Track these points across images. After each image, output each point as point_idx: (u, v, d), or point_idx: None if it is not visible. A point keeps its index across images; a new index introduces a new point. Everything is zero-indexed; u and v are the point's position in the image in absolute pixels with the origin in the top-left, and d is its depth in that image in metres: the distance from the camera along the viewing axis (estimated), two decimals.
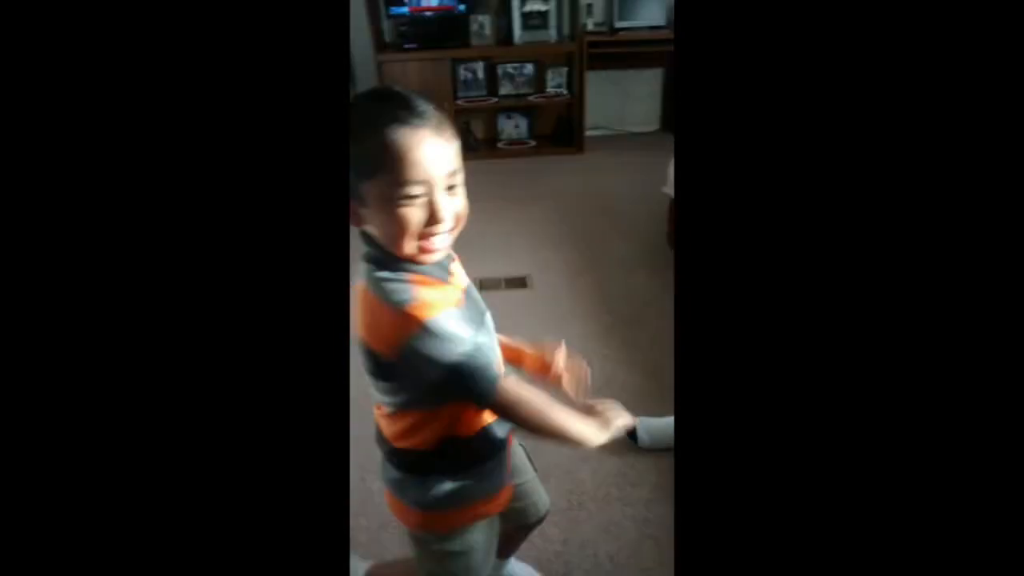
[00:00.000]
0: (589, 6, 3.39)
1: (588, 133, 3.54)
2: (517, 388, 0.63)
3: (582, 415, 0.68)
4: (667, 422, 1.34)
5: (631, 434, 1.34)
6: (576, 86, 3.37)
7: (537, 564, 1.09)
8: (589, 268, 2.17)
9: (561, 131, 3.56)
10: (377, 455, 0.74)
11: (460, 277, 0.69)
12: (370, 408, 0.71)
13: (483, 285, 2.09)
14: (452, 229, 0.62)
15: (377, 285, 0.61)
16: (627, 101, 3.76)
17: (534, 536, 1.14)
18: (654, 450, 1.33)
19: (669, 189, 2.12)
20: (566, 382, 0.80)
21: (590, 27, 3.40)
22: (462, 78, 3.45)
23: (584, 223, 2.55)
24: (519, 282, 2.11)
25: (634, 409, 1.43)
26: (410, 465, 0.70)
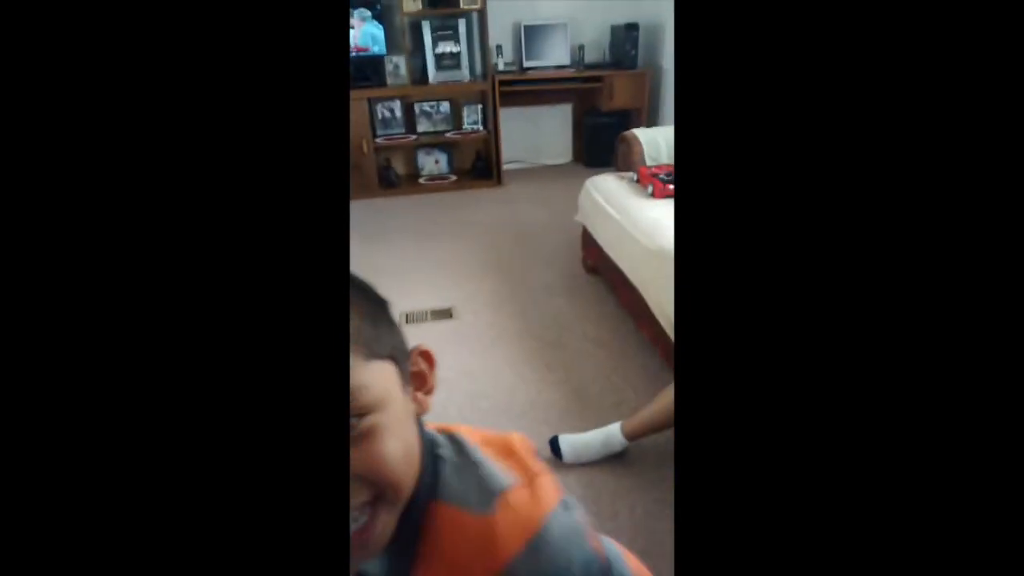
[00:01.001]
0: (499, 47, 3.57)
1: (506, 166, 3.68)
2: None
3: None
4: (587, 438, 1.42)
5: (555, 451, 1.41)
6: (491, 122, 3.51)
7: None
8: (512, 296, 2.25)
9: (480, 165, 3.68)
10: None
11: None
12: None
13: (409, 318, 2.12)
14: None
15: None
16: (540, 135, 3.95)
17: None
18: (576, 464, 1.40)
19: (581, 218, 2.25)
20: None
21: (501, 67, 3.58)
22: (380, 116, 3.51)
23: (505, 253, 2.64)
24: (445, 313, 2.15)
25: (558, 426, 1.52)
26: None
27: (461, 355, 1.87)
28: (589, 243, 2.22)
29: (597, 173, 2.26)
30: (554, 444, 1.42)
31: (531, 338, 1.96)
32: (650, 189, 1.92)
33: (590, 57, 3.69)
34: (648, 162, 2.17)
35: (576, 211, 2.31)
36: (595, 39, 3.71)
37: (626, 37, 3.50)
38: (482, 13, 3.34)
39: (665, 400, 1.33)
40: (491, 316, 2.12)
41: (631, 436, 1.37)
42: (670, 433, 1.39)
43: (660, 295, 1.57)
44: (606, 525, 1.24)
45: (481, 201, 3.37)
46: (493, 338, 1.98)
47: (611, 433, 1.39)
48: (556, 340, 1.94)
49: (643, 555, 1.20)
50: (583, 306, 2.13)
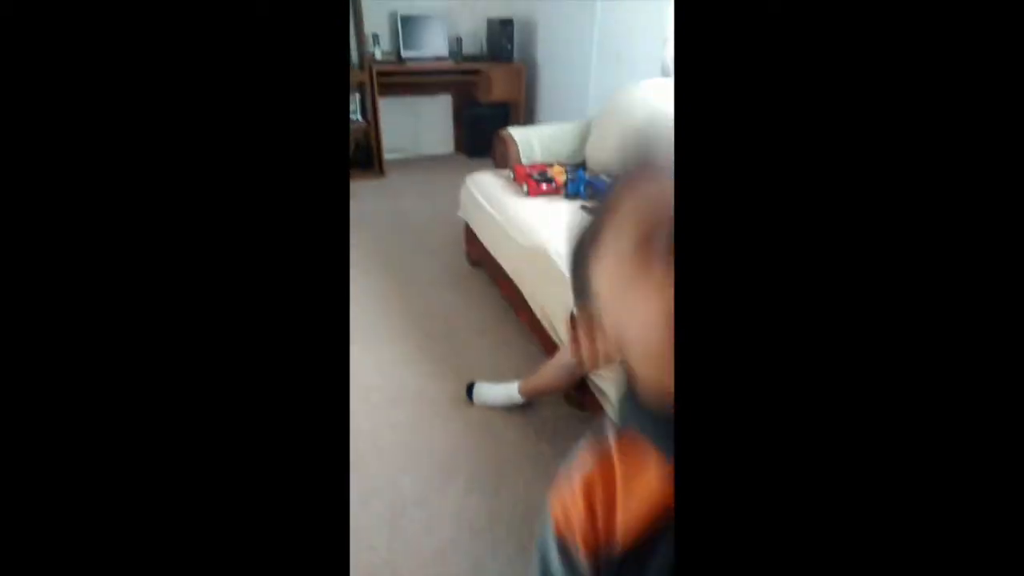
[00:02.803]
0: (375, 36, 3.52)
1: (387, 156, 3.67)
2: None
3: None
4: (495, 389, 1.67)
5: (469, 393, 1.69)
6: (370, 112, 3.47)
7: (366, 574, 1.20)
8: (398, 291, 2.30)
9: (361, 156, 3.63)
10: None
11: None
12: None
13: None
14: None
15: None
16: (421, 125, 3.97)
17: (360, 549, 1.25)
18: (485, 407, 1.67)
19: (462, 213, 2.35)
20: None
21: (378, 56, 3.53)
22: None
23: (390, 246, 2.68)
24: None
25: (449, 415, 1.62)
26: None
27: (351, 352, 1.90)
28: (471, 236, 2.33)
29: (478, 163, 2.36)
30: (469, 388, 1.69)
31: (419, 332, 2.04)
32: (525, 188, 2.06)
33: (467, 50, 3.76)
34: (523, 160, 2.31)
35: (458, 205, 2.40)
36: (472, 32, 3.79)
37: (502, 32, 3.61)
38: (356, 1, 3.28)
39: (551, 367, 1.54)
40: (380, 312, 2.16)
41: (525, 395, 1.63)
42: (558, 408, 1.55)
43: (535, 288, 1.72)
44: (490, 502, 1.38)
45: (364, 193, 3.34)
46: (381, 334, 2.03)
47: (511, 390, 1.65)
48: (443, 332, 2.03)
49: (523, 520, 1.35)
50: (467, 298, 2.24)
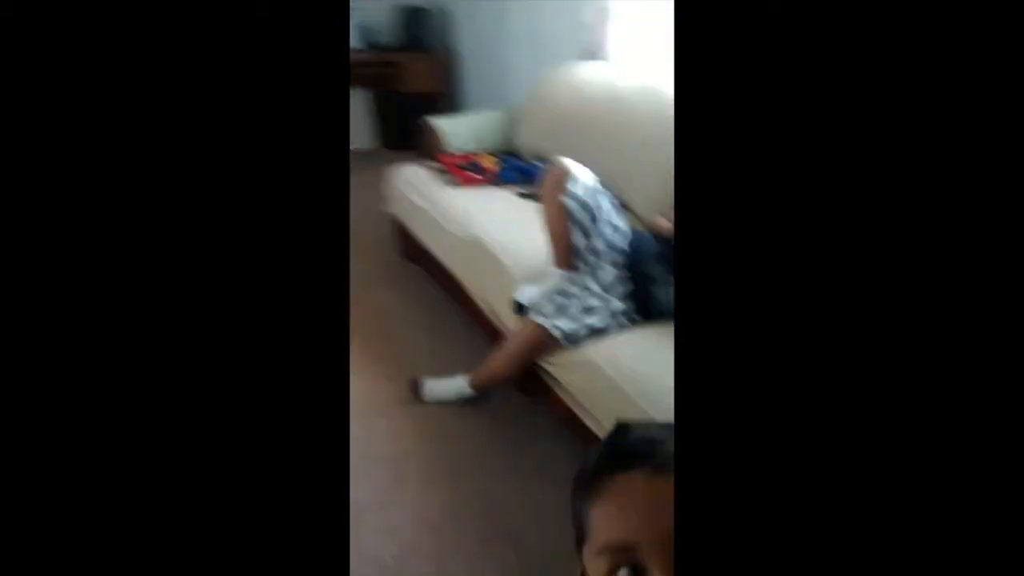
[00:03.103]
0: None
1: None
2: None
3: None
4: (444, 384, 1.62)
5: (416, 390, 1.61)
6: None
7: None
8: None
9: None
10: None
11: None
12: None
13: None
14: None
15: None
16: None
17: None
18: (435, 402, 1.62)
19: (390, 208, 2.28)
20: None
21: None
22: None
23: None
24: None
25: (401, 419, 1.57)
26: None
27: None
28: (402, 232, 2.26)
29: (403, 156, 2.29)
30: (413, 385, 1.63)
31: (356, 333, 1.95)
32: (456, 178, 2.02)
33: (381, 40, 3.64)
34: (451, 150, 2.26)
35: (385, 199, 2.32)
36: (383, 21, 3.67)
37: (415, 20, 3.52)
38: None
39: (500, 355, 1.49)
40: None
41: (476, 387, 1.58)
42: (510, 397, 1.54)
43: (474, 279, 1.70)
44: (448, 499, 1.35)
45: None
46: None
47: (461, 383, 1.60)
48: (382, 332, 1.97)
49: (483, 514, 1.34)
50: (405, 295, 2.18)
